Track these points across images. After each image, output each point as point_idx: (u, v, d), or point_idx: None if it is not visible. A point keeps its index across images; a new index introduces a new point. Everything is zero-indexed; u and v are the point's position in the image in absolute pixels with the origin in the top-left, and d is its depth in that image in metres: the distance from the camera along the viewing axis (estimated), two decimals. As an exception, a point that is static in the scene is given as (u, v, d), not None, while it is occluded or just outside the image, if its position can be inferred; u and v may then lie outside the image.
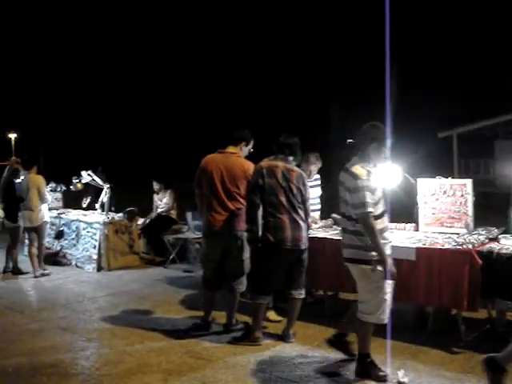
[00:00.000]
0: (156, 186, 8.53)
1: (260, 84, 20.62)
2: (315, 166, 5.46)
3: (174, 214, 8.51)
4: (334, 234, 5.18)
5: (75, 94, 22.33)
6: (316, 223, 5.48)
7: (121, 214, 7.87)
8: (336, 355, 4.21)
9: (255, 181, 4.44)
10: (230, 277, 4.78)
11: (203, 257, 4.87)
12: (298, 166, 4.73)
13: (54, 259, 8.02)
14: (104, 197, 8.11)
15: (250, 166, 4.73)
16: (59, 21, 21.33)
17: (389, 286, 3.67)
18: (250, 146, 4.91)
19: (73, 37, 21.79)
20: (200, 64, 22.07)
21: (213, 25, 21.67)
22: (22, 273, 7.41)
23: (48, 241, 8.18)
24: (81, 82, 22.31)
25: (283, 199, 4.41)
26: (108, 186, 7.83)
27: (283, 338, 4.63)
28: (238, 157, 4.79)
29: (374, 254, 3.60)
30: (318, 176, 5.77)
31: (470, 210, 4.91)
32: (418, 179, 5.17)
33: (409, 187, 5.13)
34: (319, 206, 5.81)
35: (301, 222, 4.46)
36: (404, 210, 5.43)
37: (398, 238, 4.84)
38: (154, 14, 22.01)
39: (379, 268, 3.59)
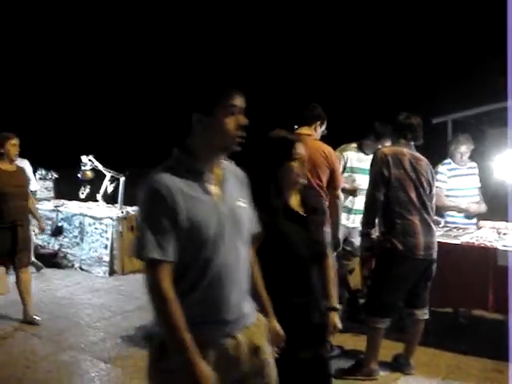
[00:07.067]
0: None
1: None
2: (467, 148, 4.43)
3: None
4: (450, 237, 4.22)
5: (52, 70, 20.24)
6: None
7: (136, 208, 6.64)
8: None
9: (379, 172, 3.44)
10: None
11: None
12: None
13: (53, 260, 6.74)
14: (109, 186, 6.90)
15: (330, 151, 3.84)
16: (39, 8, 19.28)
17: None
18: (325, 127, 4.00)
19: (50, 20, 19.76)
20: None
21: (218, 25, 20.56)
22: None
23: (43, 238, 6.90)
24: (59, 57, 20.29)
25: (413, 196, 3.45)
26: (122, 176, 6.57)
27: (400, 368, 3.70)
28: (315, 139, 3.87)
29: None
30: (475, 164, 4.65)
31: None
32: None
33: None
34: (477, 199, 4.64)
35: (432, 225, 3.52)
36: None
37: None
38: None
39: None
